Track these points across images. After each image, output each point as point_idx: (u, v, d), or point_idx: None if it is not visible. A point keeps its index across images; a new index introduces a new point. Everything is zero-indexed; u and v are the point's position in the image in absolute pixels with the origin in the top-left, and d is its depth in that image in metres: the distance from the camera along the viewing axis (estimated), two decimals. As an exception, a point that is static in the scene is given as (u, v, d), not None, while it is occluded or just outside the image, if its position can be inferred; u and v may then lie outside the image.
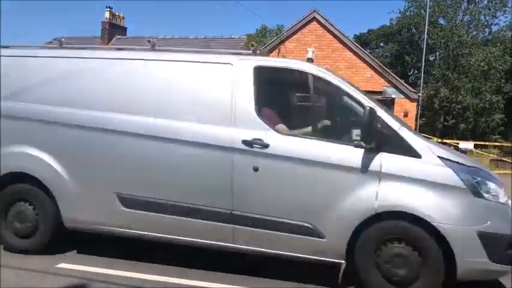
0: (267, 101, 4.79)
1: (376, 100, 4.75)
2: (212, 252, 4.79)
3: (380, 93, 16.86)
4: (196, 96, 4.74)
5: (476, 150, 25.01)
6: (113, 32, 23.86)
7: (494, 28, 42.82)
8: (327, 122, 4.82)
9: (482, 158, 24.09)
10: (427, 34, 22.04)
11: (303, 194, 4.40)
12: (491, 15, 42.00)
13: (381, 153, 4.28)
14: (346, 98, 4.64)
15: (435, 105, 40.48)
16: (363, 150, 4.29)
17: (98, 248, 5.50)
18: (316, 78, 4.65)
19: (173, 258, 5.19)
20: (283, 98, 5.31)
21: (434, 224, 4.11)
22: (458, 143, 23.83)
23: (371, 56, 18.13)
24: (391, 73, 17.44)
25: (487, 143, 27.48)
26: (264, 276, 4.77)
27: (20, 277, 4.42)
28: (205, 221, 4.56)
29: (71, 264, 4.79)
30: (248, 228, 4.49)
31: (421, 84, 20.59)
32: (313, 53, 17.47)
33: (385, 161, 4.27)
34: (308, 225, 4.36)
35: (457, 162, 4.34)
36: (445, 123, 41.86)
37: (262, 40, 29.97)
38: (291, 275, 4.75)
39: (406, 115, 16.62)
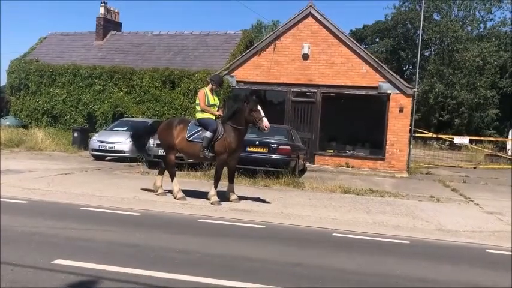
0: None
1: None
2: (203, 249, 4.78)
3: (375, 88, 16.87)
4: None
5: (471, 145, 25.12)
6: (108, 27, 23.73)
7: (489, 24, 42.82)
8: None
9: (477, 153, 24.22)
10: (422, 29, 22.02)
11: None
12: (487, 10, 42.03)
13: None
14: None
15: (430, 100, 40.59)
16: None
17: (93, 244, 5.52)
18: None
19: (167, 254, 5.20)
20: None
21: None
22: (453, 138, 23.94)
23: (366, 52, 18.09)
24: (387, 68, 17.41)
25: (482, 138, 27.61)
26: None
27: (16, 273, 4.40)
28: None
29: (67, 260, 4.78)
30: None
31: (417, 80, 20.55)
32: (308, 48, 17.49)
33: None
34: None
35: None
36: (440, 118, 42.00)
37: (258, 36, 29.91)
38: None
39: (401, 110, 16.63)
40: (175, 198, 8.80)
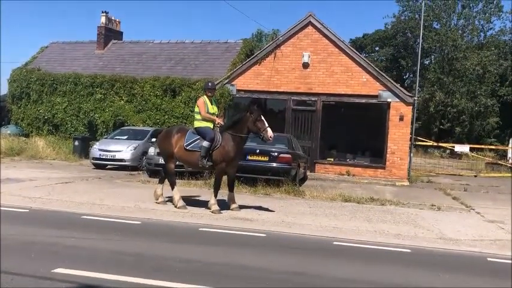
0: None
1: None
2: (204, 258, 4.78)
3: (376, 97, 16.90)
4: None
5: (472, 154, 25.11)
6: (109, 36, 23.85)
7: (489, 32, 42.96)
8: None
9: (478, 161, 24.20)
10: (422, 38, 22.12)
11: None
12: (486, 19, 42.19)
13: None
14: None
15: (431, 108, 40.64)
16: None
17: (94, 253, 5.51)
18: None
19: (167, 263, 5.19)
20: None
21: None
22: (454, 146, 23.94)
23: (366, 60, 18.16)
24: (387, 77, 17.44)
25: (483, 146, 27.58)
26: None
27: (16, 282, 4.40)
28: None
29: (68, 269, 4.78)
30: None
31: (417, 88, 20.59)
32: (309, 57, 17.56)
33: None
34: None
35: None
36: (441, 126, 42.02)
37: (258, 45, 30.02)
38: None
39: (401, 119, 16.65)
40: (175, 206, 8.80)
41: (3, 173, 12.41)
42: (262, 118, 8.44)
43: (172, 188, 9.02)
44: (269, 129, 8.40)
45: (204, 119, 8.83)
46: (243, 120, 8.59)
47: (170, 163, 9.09)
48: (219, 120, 9.07)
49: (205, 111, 8.84)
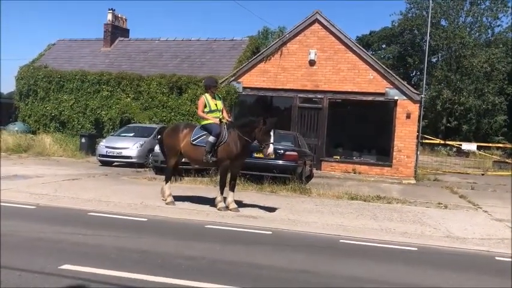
0: None
1: None
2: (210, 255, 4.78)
3: (382, 94, 16.83)
4: None
5: (479, 152, 24.94)
6: (116, 34, 23.90)
7: (497, 30, 42.64)
8: None
9: (485, 160, 24.04)
10: (429, 36, 21.98)
11: None
12: (494, 16, 41.86)
13: None
14: None
15: (438, 106, 40.44)
16: None
17: (101, 250, 5.53)
18: None
19: (173, 260, 5.20)
20: None
21: None
22: (461, 144, 23.81)
23: (373, 58, 18.07)
24: (394, 74, 17.35)
25: (490, 145, 27.39)
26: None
27: (23, 278, 4.42)
28: None
29: (75, 266, 4.80)
30: None
31: (424, 86, 20.49)
32: (315, 54, 17.50)
33: None
34: None
35: None
36: (448, 124, 41.82)
37: (264, 42, 29.94)
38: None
39: (408, 116, 16.57)
40: (164, 201, 8.88)
41: (11, 169, 12.50)
42: (271, 133, 8.38)
43: (166, 182, 9.01)
44: (272, 146, 8.27)
45: (207, 116, 8.78)
46: (254, 125, 8.43)
47: (172, 159, 9.07)
48: (227, 117, 9.02)
49: (203, 110, 8.82)
